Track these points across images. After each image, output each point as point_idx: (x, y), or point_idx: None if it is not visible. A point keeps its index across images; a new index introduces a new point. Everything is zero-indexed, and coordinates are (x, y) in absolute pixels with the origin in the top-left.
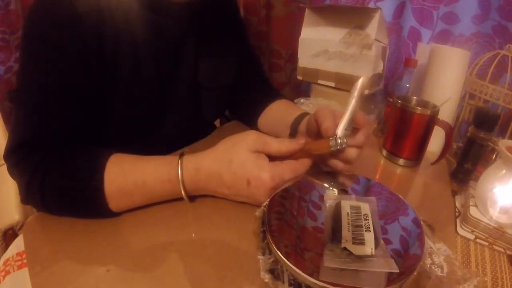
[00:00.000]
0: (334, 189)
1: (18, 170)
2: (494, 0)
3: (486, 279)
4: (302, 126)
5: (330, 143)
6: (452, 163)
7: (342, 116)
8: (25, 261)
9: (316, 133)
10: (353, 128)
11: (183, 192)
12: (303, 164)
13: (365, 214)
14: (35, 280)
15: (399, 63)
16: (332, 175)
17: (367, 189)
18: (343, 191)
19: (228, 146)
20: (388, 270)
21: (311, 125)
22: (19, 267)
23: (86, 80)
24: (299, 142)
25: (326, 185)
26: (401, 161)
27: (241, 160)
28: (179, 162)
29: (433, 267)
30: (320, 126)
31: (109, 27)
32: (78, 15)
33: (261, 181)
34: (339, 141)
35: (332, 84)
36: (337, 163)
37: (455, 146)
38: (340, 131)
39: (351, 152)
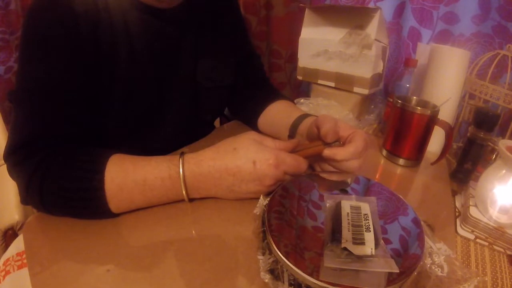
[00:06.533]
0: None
1: (18, 171)
2: (494, 0)
3: (486, 279)
4: (302, 128)
5: (323, 144)
6: (452, 163)
7: None
8: (25, 261)
9: (316, 139)
10: (341, 143)
11: (183, 188)
12: (302, 159)
13: (365, 214)
14: (35, 280)
15: (399, 63)
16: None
17: (367, 189)
18: (343, 191)
19: (229, 140)
20: (388, 270)
21: (312, 131)
22: (19, 267)
23: (85, 80)
24: (292, 141)
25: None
26: (401, 161)
27: (245, 146)
28: (180, 158)
29: (433, 267)
30: (320, 130)
31: (106, 28)
32: (76, 16)
33: (265, 160)
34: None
35: (332, 84)
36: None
37: (455, 146)
38: None
39: (351, 163)
